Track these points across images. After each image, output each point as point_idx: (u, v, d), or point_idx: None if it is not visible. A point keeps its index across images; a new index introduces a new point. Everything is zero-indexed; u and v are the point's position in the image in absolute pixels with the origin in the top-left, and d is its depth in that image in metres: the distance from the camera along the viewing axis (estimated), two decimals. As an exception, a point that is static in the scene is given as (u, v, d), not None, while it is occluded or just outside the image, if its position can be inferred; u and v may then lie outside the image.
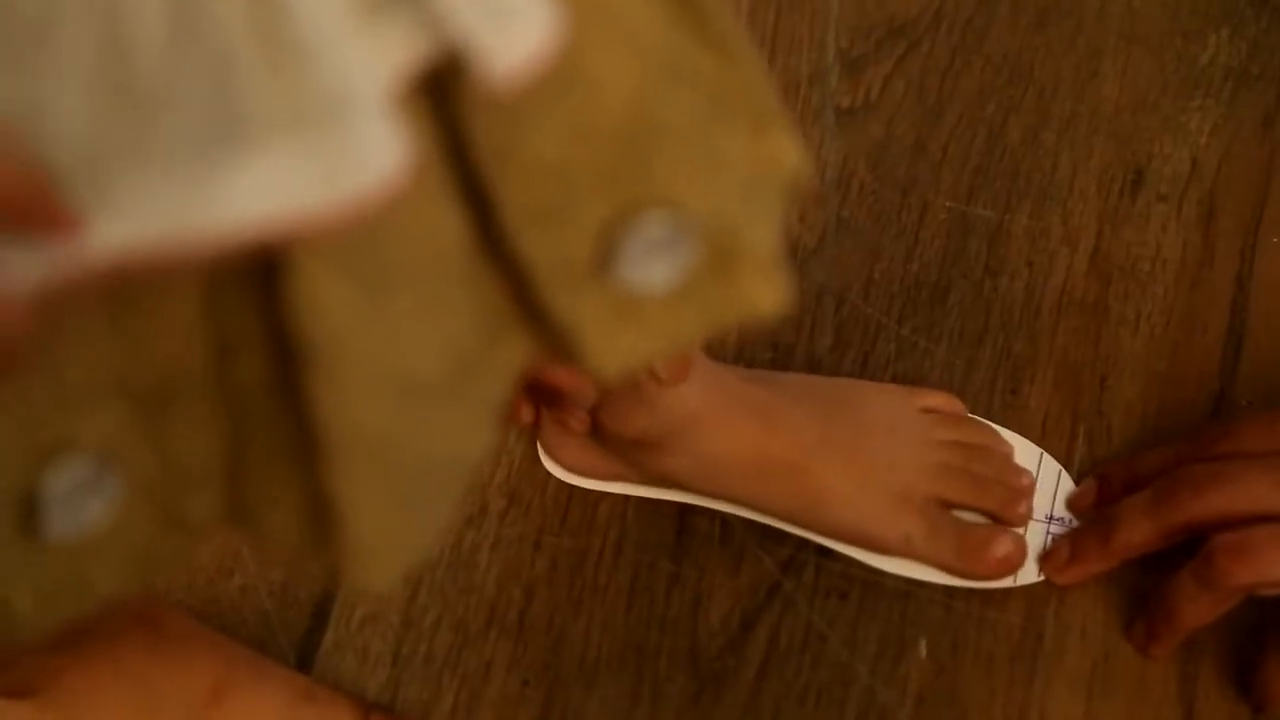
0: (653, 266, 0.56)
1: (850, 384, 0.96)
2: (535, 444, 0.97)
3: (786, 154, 0.59)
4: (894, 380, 0.99)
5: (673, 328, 0.58)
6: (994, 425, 0.97)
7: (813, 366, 1.00)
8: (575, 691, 0.92)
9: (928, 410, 0.96)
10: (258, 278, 0.51)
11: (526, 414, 0.96)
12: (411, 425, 0.55)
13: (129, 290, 0.49)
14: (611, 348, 0.57)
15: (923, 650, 0.93)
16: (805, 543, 0.95)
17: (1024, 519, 0.93)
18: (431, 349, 0.55)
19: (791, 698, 0.92)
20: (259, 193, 0.46)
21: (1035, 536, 0.94)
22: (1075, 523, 0.94)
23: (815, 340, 1.01)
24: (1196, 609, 0.88)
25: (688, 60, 0.55)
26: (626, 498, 0.96)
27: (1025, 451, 0.97)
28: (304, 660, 0.94)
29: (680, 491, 0.95)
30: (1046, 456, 0.96)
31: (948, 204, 1.05)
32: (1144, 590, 0.93)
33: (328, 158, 0.46)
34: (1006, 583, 0.93)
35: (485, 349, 0.57)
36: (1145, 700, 0.91)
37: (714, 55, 0.56)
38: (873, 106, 1.08)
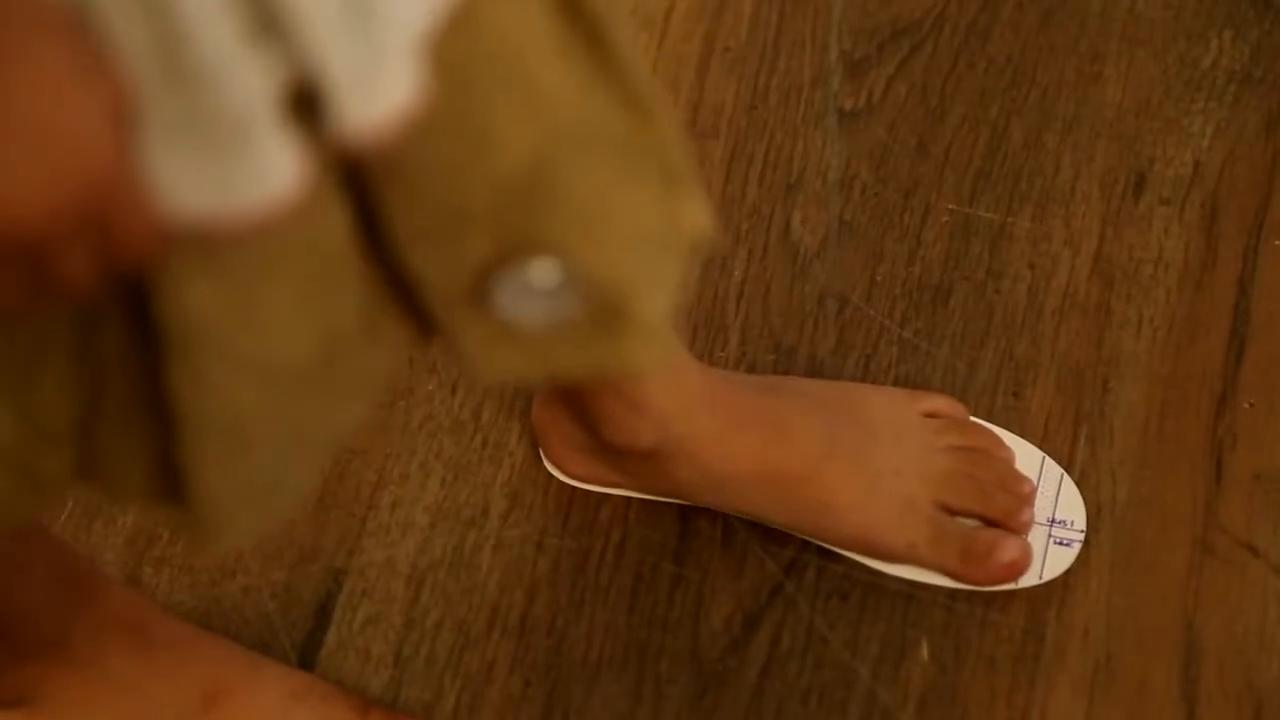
0: (529, 307, 0.57)
1: (854, 389, 0.96)
2: (537, 446, 0.97)
3: (693, 216, 0.60)
4: (896, 383, 0.99)
5: (551, 359, 0.59)
6: (996, 428, 0.97)
7: (815, 369, 1.00)
8: (577, 692, 0.92)
9: (930, 414, 0.95)
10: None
11: None
12: (274, 407, 0.56)
13: None
14: (490, 361, 0.58)
15: (924, 652, 0.93)
16: (807, 545, 0.95)
17: (1028, 526, 0.93)
18: (302, 337, 0.55)
19: (793, 699, 0.92)
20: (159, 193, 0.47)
21: (1037, 540, 0.94)
22: (1076, 526, 0.94)
23: (817, 343, 1.01)
24: None
25: (600, 121, 0.56)
26: (628, 500, 0.96)
27: (1027, 455, 0.96)
28: (306, 661, 0.94)
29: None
30: (1048, 460, 0.96)
31: (950, 206, 1.05)
32: (1146, 590, 0.93)
33: (227, 169, 0.47)
34: (1008, 585, 0.93)
35: (363, 332, 0.58)
36: (1147, 702, 0.91)
37: (628, 115, 0.57)
38: (875, 109, 1.08)
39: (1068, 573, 0.94)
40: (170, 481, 0.57)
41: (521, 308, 0.57)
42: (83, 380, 0.56)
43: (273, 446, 0.58)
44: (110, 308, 0.54)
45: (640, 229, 0.59)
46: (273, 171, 0.48)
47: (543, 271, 0.56)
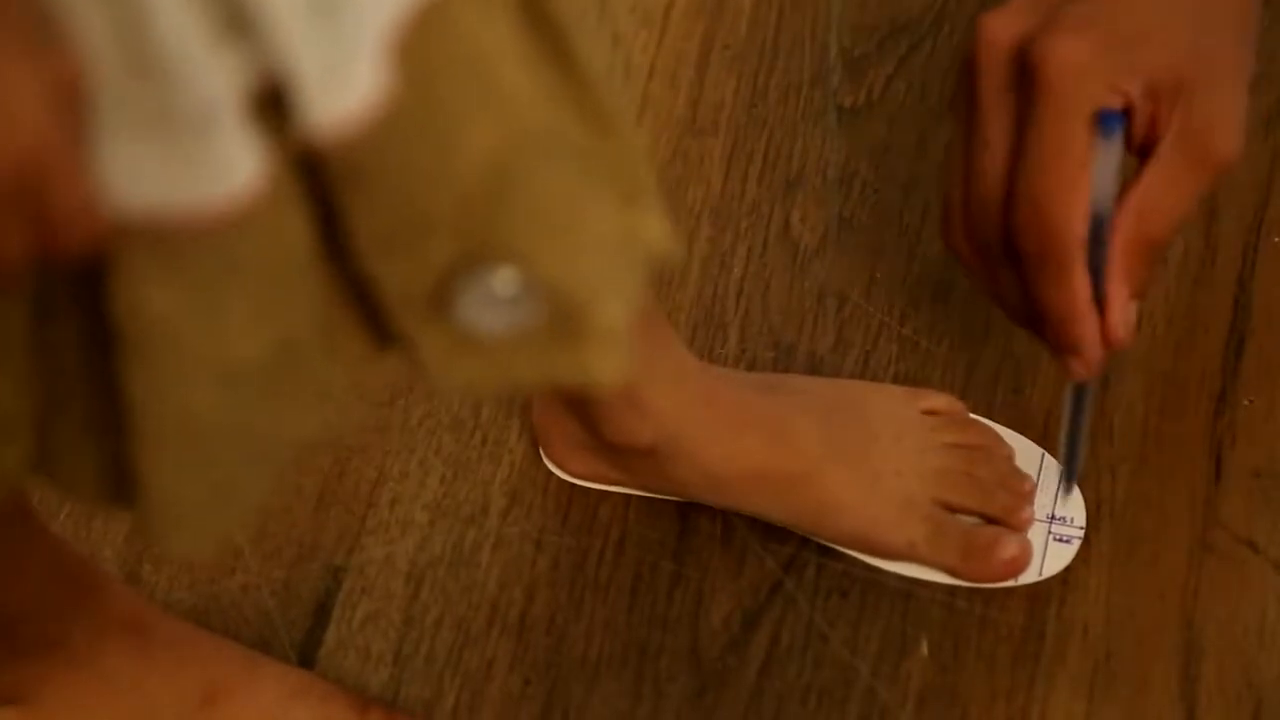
0: (490, 315, 0.57)
1: (853, 387, 0.96)
2: (536, 444, 0.97)
3: (652, 231, 0.60)
4: (896, 380, 0.99)
5: (510, 369, 0.59)
6: (995, 426, 0.97)
7: (814, 366, 1.00)
8: (577, 690, 0.92)
9: (930, 412, 0.96)
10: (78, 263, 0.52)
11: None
12: (230, 409, 0.56)
13: None
14: (450, 370, 0.58)
15: (924, 650, 0.93)
16: (807, 542, 0.95)
17: (1028, 524, 0.93)
18: (260, 340, 0.55)
19: (793, 697, 0.92)
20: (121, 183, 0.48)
21: (1036, 537, 0.94)
22: (1076, 522, 0.94)
23: (817, 340, 1.01)
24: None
25: (562, 131, 0.56)
26: (628, 497, 0.96)
27: (1027, 452, 0.96)
28: (306, 659, 0.94)
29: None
30: (1048, 457, 0.96)
31: (950, 203, 1.05)
32: (1146, 588, 0.93)
33: (189, 164, 0.48)
34: (1008, 582, 0.93)
35: (322, 339, 0.57)
36: (1147, 701, 0.91)
37: (590, 128, 0.57)
38: (875, 106, 1.08)
39: (1067, 570, 0.94)
40: (122, 481, 0.57)
41: (482, 316, 0.57)
42: (39, 372, 0.56)
43: (226, 452, 0.58)
44: (66, 304, 0.54)
45: (599, 238, 0.59)
46: (235, 167, 0.48)
47: (504, 280, 0.56)
